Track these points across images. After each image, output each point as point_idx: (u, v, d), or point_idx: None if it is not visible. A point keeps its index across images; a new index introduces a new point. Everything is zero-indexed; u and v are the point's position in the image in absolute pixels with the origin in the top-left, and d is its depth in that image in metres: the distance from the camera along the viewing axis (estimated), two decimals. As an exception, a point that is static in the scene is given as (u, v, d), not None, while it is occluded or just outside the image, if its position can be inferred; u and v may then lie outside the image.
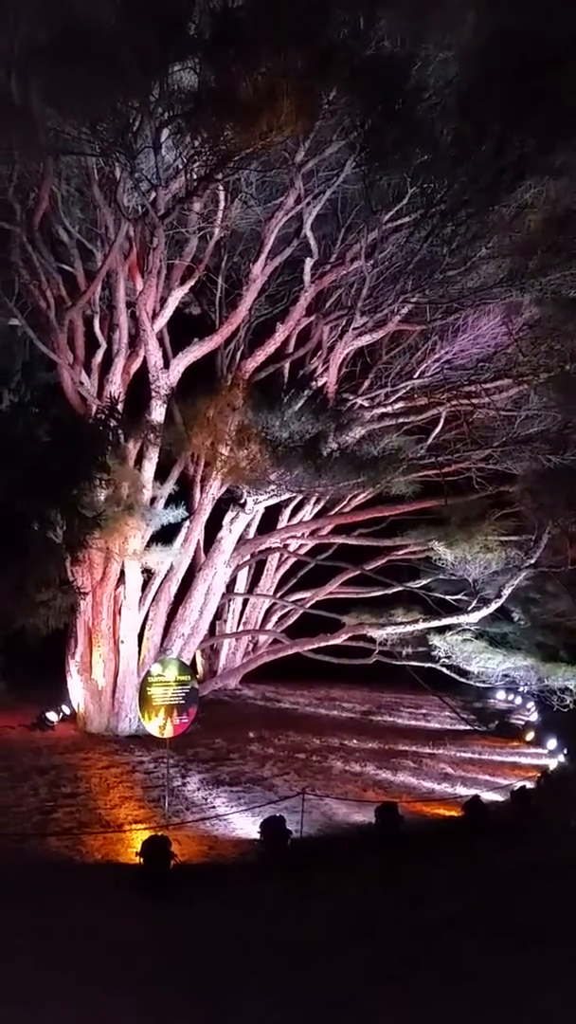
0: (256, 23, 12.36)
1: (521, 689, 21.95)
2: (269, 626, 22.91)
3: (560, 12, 12.92)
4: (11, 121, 12.32)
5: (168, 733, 10.65)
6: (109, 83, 12.08)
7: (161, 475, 15.83)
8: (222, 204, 15.97)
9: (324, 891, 8.43)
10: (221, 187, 15.28)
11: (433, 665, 19.92)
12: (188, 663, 14.77)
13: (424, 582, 21.07)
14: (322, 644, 18.87)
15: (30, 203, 14.10)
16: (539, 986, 6.55)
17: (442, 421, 19.02)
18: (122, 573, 15.25)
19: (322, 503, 21.52)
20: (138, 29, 11.91)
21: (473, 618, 18.00)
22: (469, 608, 18.00)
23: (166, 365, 15.68)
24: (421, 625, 18.46)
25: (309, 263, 15.94)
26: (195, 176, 13.91)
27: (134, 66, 12.07)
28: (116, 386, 15.40)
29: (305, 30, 12.54)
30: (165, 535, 15.72)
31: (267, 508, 19.21)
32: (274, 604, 23.03)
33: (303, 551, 22.81)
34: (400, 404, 17.88)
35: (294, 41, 12.32)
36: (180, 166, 14.00)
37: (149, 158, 13.61)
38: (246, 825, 9.95)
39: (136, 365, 15.74)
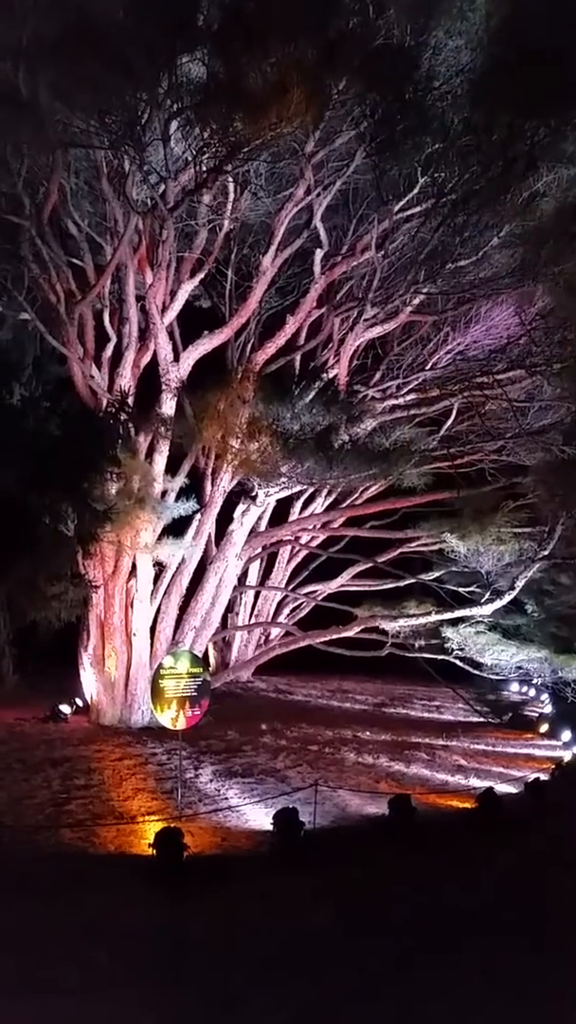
0: (265, 13, 12.28)
1: (535, 681, 21.89)
2: (281, 618, 22.94)
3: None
4: (20, 115, 12.31)
5: (180, 725, 10.66)
6: (117, 76, 12.04)
7: (172, 468, 15.85)
8: (231, 196, 15.92)
9: (337, 883, 8.43)
10: (230, 179, 15.22)
11: (446, 657, 19.87)
12: (200, 655, 14.81)
13: (437, 574, 20.99)
14: (334, 636, 18.87)
15: (39, 197, 14.09)
16: (553, 980, 6.53)
17: (454, 413, 18.95)
18: (134, 566, 15.28)
19: (334, 495, 21.49)
20: (146, 21, 11.87)
21: (486, 610, 17.93)
22: (482, 600, 17.92)
23: (176, 358, 15.67)
24: (434, 617, 18.40)
25: (319, 254, 15.89)
26: (204, 168, 13.88)
27: (142, 58, 12.04)
28: (126, 380, 15.42)
29: (314, 20, 12.47)
30: (176, 528, 15.73)
31: (278, 500, 19.20)
32: (286, 596, 23.04)
33: (315, 543, 22.79)
34: (412, 396, 17.82)
35: (303, 31, 12.26)
36: (189, 158, 13.96)
37: (158, 150, 13.58)
38: (259, 817, 9.96)
39: (146, 358, 15.74)
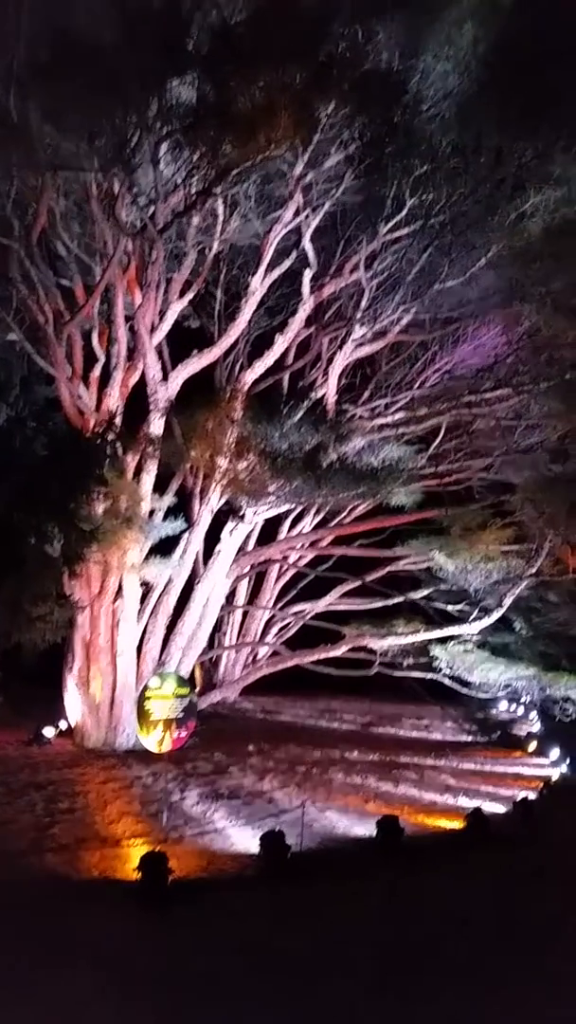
0: (254, 38, 12.41)
1: (523, 699, 21.87)
2: (269, 638, 22.85)
3: (556, 25, 12.99)
4: (10, 137, 12.39)
5: (166, 747, 10.60)
6: (108, 99, 12.16)
7: (160, 487, 15.82)
8: (221, 218, 16.00)
9: (324, 905, 8.36)
10: (220, 201, 15.30)
11: (435, 676, 19.84)
12: (186, 676, 14.72)
13: (425, 592, 21.00)
14: (322, 656, 18.82)
15: (29, 218, 14.14)
16: (542, 1002, 6.48)
17: (442, 431, 19.03)
18: (120, 586, 15.20)
19: (322, 514, 21.51)
20: (137, 45, 11.98)
21: (474, 628, 17.95)
22: (470, 618, 17.93)
23: (165, 378, 15.69)
24: (422, 636, 18.39)
25: (308, 275, 15.97)
26: (194, 190, 13.98)
27: (133, 82, 12.16)
28: (114, 399, 15.40)
29: (303, 44, 12.61)
30: (164, 547, 15.69)
31: (267, 519, 19.18)
32: (274, 616, 22.97)
33: (303, 562, 22.77)
34: (400, 415, 17.89)
35: (292, 55, 12.41)
36: (179, 180, 14.06)
37: (148, 173, 13.69)
38: (245, 839, 9.88)
39: (135, 378, 15.74)
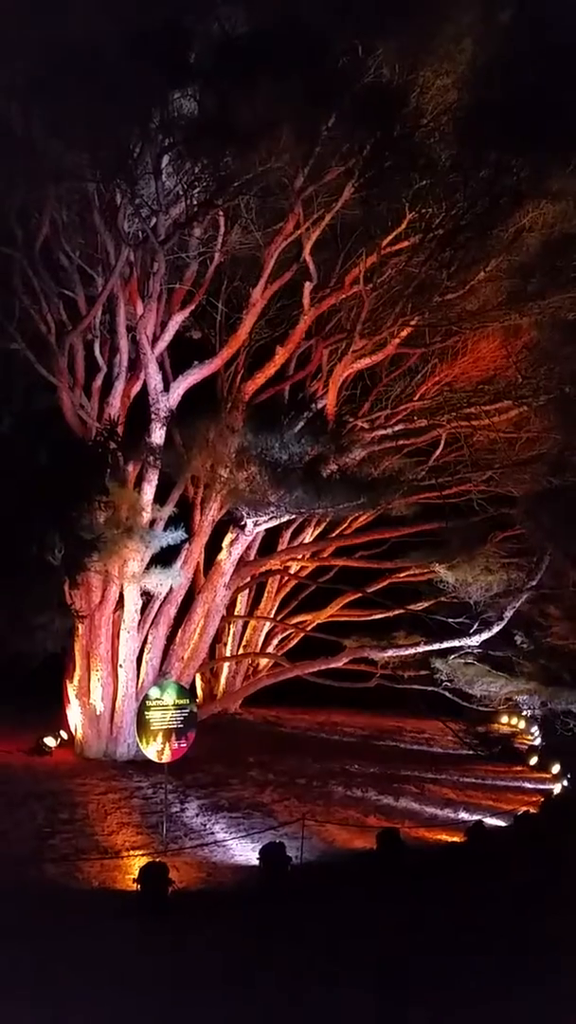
0: (255, 52, 12.52)
1: (524, 713, 21.78)
2: (270, 649, 22.78)
3: (553, 41, 13.13)
4: (13, 149, 12.46)
5: (166, 758, 10.57)
6: (110, 110, 12.22)
7: (161, 497, 15.80)
8: (222, 230, 16.06)
9: (324, 918, 8.31)
10: (221, 213, 15.37)
11: (435, 689, 19.77)
12: (187, 687, 14.67)
13: (426, 605, 20.94)
14: (323, 667, 18.76)
15: (31, 229, 14.20)
16: (537, 1015, 6.43)
17: (442, 443, 19.06)
18: (121, 596, 15.18)
19: (323, 525, 21.49)
20: (139, 58, 12.06)
21: (475, 641, 17.88)
22: (471, 631, 17.88)
23: (166, 388, 15.71)
24: (422, 648, 18.33)
25: (308, 287, 16.02)
26: (195, 202, 14.05)
27: (135, 94, 12.23)
28: (116, 409, 15.43)
29: (304, 59, 12.70)
30: (165, 557, 15.65)
31: (268, 530, 19.16)
32: (275, 627, 22.91)
33: (304, 573, 22.74)
34: (400, 426, 17.91)
35: (293, 70, 12.48)
36: (180, 192, 14.13)
37: (149, 184, 13.74)
38: (245, 851, 9.84)
39: (136, 388, 15.78)
